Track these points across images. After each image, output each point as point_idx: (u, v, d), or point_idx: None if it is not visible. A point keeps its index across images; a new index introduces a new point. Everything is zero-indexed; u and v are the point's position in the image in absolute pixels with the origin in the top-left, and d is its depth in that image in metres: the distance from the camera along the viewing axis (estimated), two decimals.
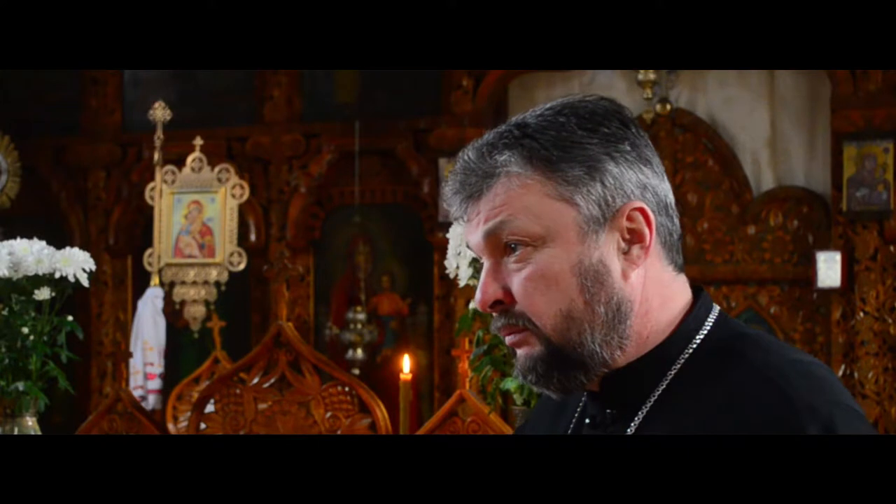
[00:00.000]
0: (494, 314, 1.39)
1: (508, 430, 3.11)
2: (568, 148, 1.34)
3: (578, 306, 1.34)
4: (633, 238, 1.35)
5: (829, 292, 6.99)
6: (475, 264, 2.68)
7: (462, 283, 2.74)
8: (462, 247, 2.68)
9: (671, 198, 1.40)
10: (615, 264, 1.35)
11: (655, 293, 1.37)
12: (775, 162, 7.35)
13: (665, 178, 1.40)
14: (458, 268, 2.72)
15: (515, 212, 1.34)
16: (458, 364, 3.20)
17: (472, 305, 2.74)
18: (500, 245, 1.36)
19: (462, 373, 3.18)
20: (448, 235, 2.77)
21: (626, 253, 1.35)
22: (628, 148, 1.36)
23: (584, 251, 1.34)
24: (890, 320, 6.88)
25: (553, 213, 1.34)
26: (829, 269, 6.91)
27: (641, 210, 1.35)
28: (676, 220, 1.40)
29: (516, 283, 1.35)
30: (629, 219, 1.35)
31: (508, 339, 1.39)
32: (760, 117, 7.34)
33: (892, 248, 6.91)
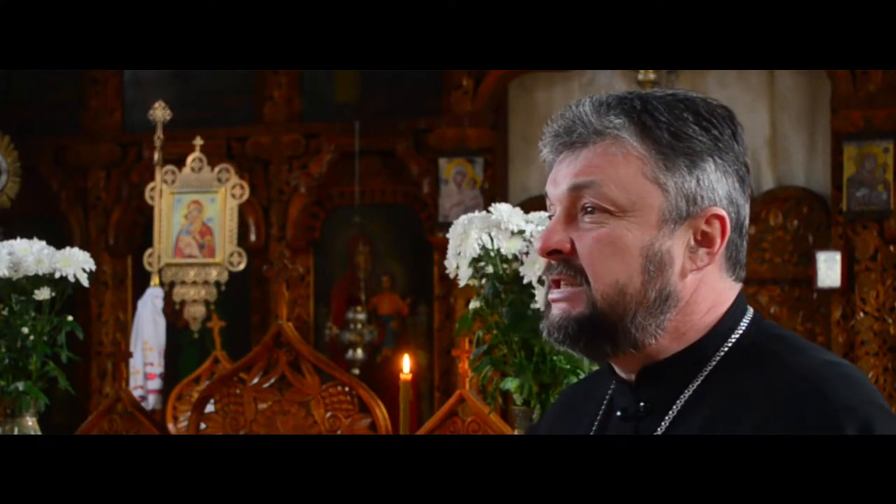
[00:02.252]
0: (550, 262, 1.41)
1: (508, 430, 3.11)
2: (679, 136, 1.36)
3: (635, 284, 1.36)
4: (704, 241, 1.38)
5: (829, 292, 6.99)
6: (475, 264, 2.68)
7: (462, 283, 2.73)
8: (462, 247, 2.68)
9: (747, 222, 1.43)
10: (679, 259, 1.37)
11: (706, 297, 1.39)
12: (775, 162, 7.35)
13: (748, 202, 1.42)
14: (458, 268, 2.71)
15: (609, 178, 1.36)
16: (458, 364, 3.20)
17: (472, 305, 2.73)
18: (580, 202, 1.38)
19: (462, 373, 3.18)
20: (448, 235, 2.76)
21: (692, 252, 1.38)
22: (731, 159, 1.39)
23: (657, 236, 1.36)
24: (890, 320, 6.88)
25: (643, 192, 1.36)
26: (829, 269, 6.91)
27: (721, 218, 1.38)
28: (745, 243, 1.43)
29: (585, 240, 1.37)
30: (707, 222, 1.37)
31: (557, 293, 1.40)
32: (760, 117, 7.34)
33: (892, 248, 6.91)
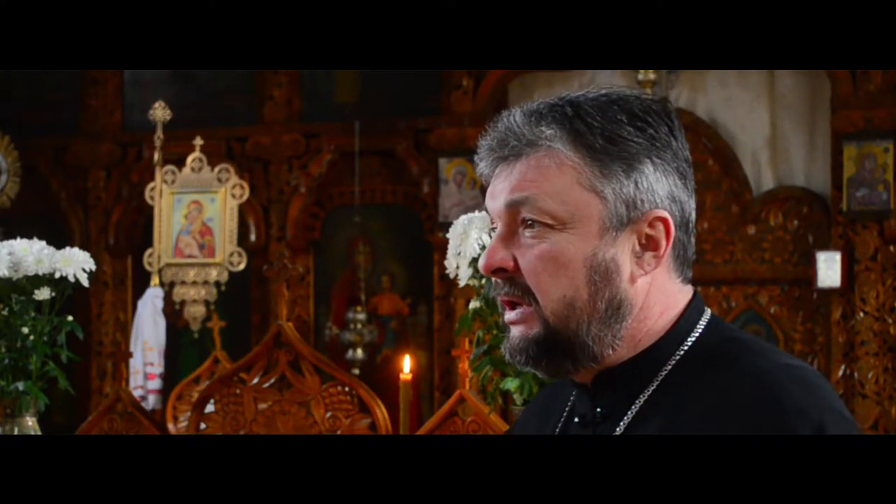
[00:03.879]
0: (496, 280, 1.39)
1: None
2: (614, 140, 1.34)
3: (582, 297, 1.34)
4: (649, 245, 1.36)
5: (829, 292, 6.99)
6: (475, 264, 2.68)
7: (462, 283, 2.74)
8: (462, 247, 2.68)
9: (693, 216, 1.40)
10: (626, 265, 1.35)
11: (657, 301, 1.38)
12: (775, 162, 7.34)
13: (693, 196, 1.40)
14: (458, 268, 2.72)
15: (544, 192, 1.34)
16: (458, 364, 3.20)
17: (472, 305, 2.74)
18: (518, 216, 1.36)
19: (462, 373, 3.18)
20: (448, 235, 2.76)
21: (638, 257, 1.36)
22: (670, 157, 1.37)
23: (600, 245, 1.34)
24: (890, 320, 6.87)
25: (581, 202, 1.33)
26: (829, 269, 6.90)
27: (664, 220, 1.35)
28: (693, 239, 1.40)
29: (527, 257, 1.35)
30: (650, 225, 1.35)
31: (509, 315, 1.38)
32: (760, 117, 7.33)
33: (892, 248, 6.90)
